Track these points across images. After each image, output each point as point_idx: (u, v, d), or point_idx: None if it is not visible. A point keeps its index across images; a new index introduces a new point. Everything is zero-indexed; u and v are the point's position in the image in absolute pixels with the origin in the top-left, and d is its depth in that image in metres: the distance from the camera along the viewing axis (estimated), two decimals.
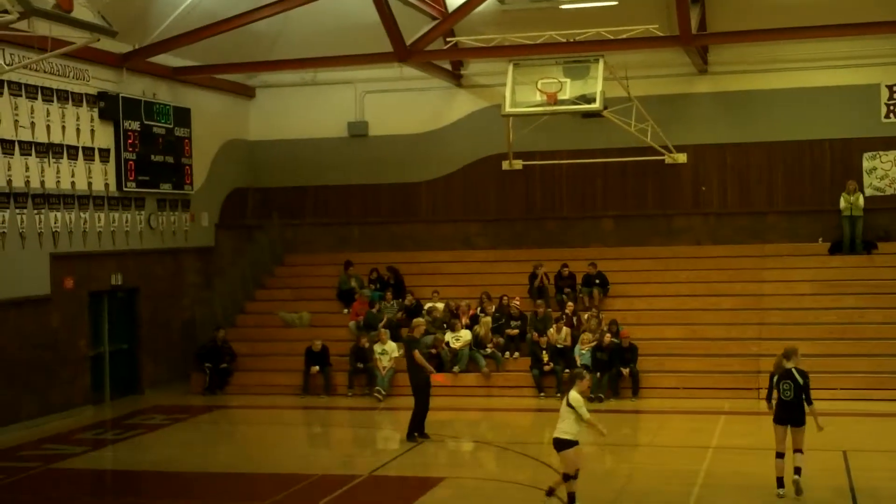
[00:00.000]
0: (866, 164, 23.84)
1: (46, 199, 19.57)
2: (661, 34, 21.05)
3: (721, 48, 24.22)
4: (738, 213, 24.63)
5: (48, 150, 19.67)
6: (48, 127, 19.67)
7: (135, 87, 22.09)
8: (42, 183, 19.49)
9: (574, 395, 12.47)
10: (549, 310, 22.38)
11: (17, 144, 18.92)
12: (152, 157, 22.45)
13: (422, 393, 17.14)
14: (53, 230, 19.72)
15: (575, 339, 21.35)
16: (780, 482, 13.19)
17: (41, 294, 19.41)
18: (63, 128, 20.05)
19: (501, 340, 21.95)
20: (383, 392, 21.16)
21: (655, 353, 21.32)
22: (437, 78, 25.31)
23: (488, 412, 20.41)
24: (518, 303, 22.62)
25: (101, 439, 18.64)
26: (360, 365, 21.77)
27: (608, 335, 20.92)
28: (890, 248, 23.32)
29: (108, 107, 21.10)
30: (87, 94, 20.68)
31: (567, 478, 12.47)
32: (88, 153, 20.73)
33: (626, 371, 20.58)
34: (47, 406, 19.44)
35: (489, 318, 22.36)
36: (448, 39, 23.21)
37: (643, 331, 21.72)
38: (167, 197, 23.19)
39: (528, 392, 20.98)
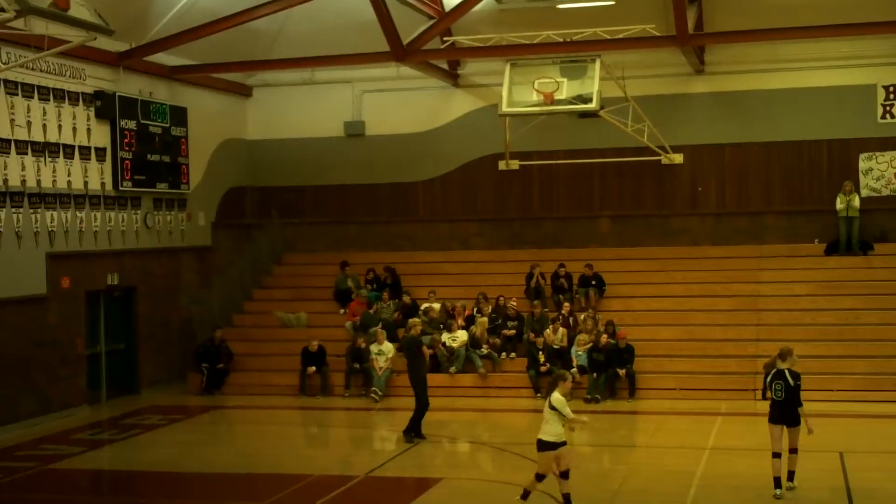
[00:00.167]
0: (862, 165, 23.86)
1: (43, 199, 19.55)
2: (658, 34, 21.06)
3: (718, 48, 24.23)
4: (735, 214, 24.64)
5: (44, 150, 19.64)
6: (44, 126, 19.64)
7: (131, 86, 22.06)
8: (38, 182, 19.46)
9: (556, 397, 12.53)
10: (546, 310, 22.38)
11: (13, 143, 18.90)
12: (149, 156, 22.42)
13: (423, 391, 17.16)
14: (50, 229, 19.69)
15: (571, 340, 21.35)
16: (778, 482, 13.22)
17: (38, 293, 19.39)
18: (59, 127, 20.03)
19: (498, 341, 21.95)
20: (380, 392, 21.15)
21: (652, 353, 21.32)
22: (434, 77, 25.31)
23: (485, 413, 20.41)
24: (515, 303, 22.62)
25: (98, 439, 18.61)
26: (357, 365, 21.76)
27: (605, 336, 20.92)
28: (886, 249, 23.34)
29: (104, 106, 21.08)
30: (83, 93, 20.66)
31: (540, 477, 12.59)
32: (85, 152, 20.71)
33: (622, 372, 20.59)
34: (44, 406, 19.42)
35: (485, 319, 22.36)
36: (445, 39, 23.22)
37: (640, 331, 21.71)
38: (164, 196, 23.17)
39: (525, 393, 20.98)
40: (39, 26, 15.28)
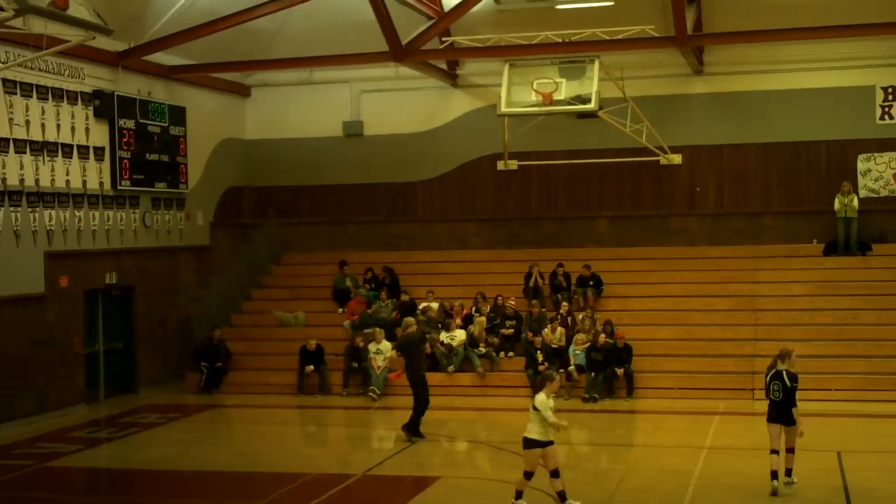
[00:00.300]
0: (861, 166, 23.88)
1: (41, 198, 19.56)
2: (657, 35, 21.08)
3: (716, 49, 24.25)
4: (733, 214, 24.67)
5: (43, 149, 19.65)
6: (43, 125, 19.65)
7: (130, 85, 22.07)
8: (37, 181, 19.47)
9: (540, 399, 12.54)
10: (544, 310, 22.40)
11: (11, 142, 18.91)
12: (147, 155, 22.43)
13: (422, 388, 17.17)
14: (48, 228, 19.70)
15: (570, 340, 21.36)
16: (775, 475, 13.35)
17: (36, 292, 19.39)
18: (58, 126, 20.03)
19: (496, 340, 21.97)
20: (378, 391, 21.16)
21: (650, 353, 21.34)
22: (432, 78, 25.32)
23: (483, 412, 20.42)
24: (513, 303, 22.64)
25: (96, 438, 18.61)
26: (355, 364, 21.77)
27: (603, 335, 20.93)
28: (884, 250, 23.37)
29: (103, 105, 21.09)
30: (82, 93, 20.66)
31: (528, 475, 12.62)
32: (83, 151, 20.72)
33: (620, 371, 20.60)
34: (42, 404, 19.41)
35: (484, 318, 22.38)
36: (444, 39, 23.24)
37: (638, 331, 21.73)
38: (162, 195, 23.17)
39: (523, 392, 20.86)
40: (38, 25, 15.31)
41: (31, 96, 19.32)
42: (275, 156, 26.81)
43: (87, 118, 20.80)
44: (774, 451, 13.36)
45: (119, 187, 21.56)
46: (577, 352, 21.04)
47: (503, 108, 20.02)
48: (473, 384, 21.45)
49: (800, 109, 24.14)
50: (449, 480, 14.76)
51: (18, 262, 18.98)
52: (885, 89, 23.74)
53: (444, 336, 21.89)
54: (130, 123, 21.88)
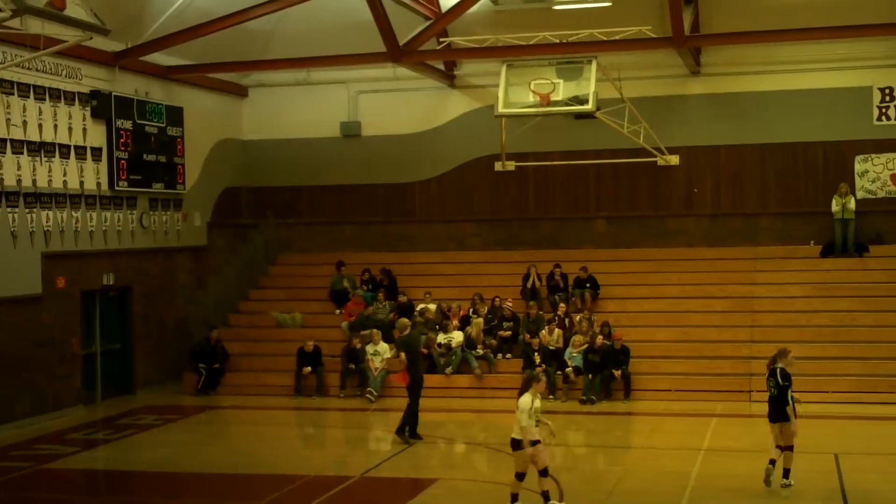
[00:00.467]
0: (858, 167, 23.89)
1: (38, 198, 19.53)
2: (654, 35, 21.09)
3: (714, 50, 24.25)
4: (730, 215, 24.66)
5: (40, 149, 19.62)
6: (40, 125, 19.62)
7: (127, 85, 22.04)
8: (34, 182, 19.44)
9: (521, 401, 12.57)
10: (542, 312, 22.38)
11: (8, 143, 18.88)
12: (144, 156, 22.41)
13: (417, 390, 17.16)
14: (45, 229, 19.67)
15: (567, 341, 21.35)
16: (772, 462, 13.59)
17: (33, 293, 19.36)
18: (55, 126, 20.01)
19: (494, 342, 21.96)
20: (375, 393, 21.14)
21: (647, 355, 21.34)
22: (430, 78, 25.30)
23: (480, 413, 20.40)
24: (511, 304, 22.62)
25: (93, 439, 18.60)
26: (353, 366, 21.75)
27: (600, 337, 20.93)
28: (881, 251, 23.36)
29: (100, 105, 21.07)
30: (79, 93, 20.64)
31: (521, 476, 12.62)
32: (80, 152, 20.69)
33: (618, 373, 20.59)
34: (39, 406, 19.39)
35: (481, 320, 22.37)
36: (441, 40, 23.22)
37: (635, 333, 21.73)
38: (159, 196, 23.15)
39: None
40: (35, 26, 15.28)
41: (28, 96, 19.30)
42: (272, 156, 26.79)
43: (84, 118, 20.78)
44: (777, 447, 13.68)
45: (116, 188, 21.54)
46: (575, 354, 21.03)
47: (501, 109, 20.00)
48: (471, 386, 21.43)
49: (797, 110, 24.14)
50: (447, 482, 14.77)
51: (16, 263, 18.96)
52: (882, 90, 23.74)
53: (441, 337, 21.87)
54: (128, 124, 21.85)
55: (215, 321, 23.78)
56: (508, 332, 21.97)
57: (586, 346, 20.99)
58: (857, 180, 23.85)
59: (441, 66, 25.34)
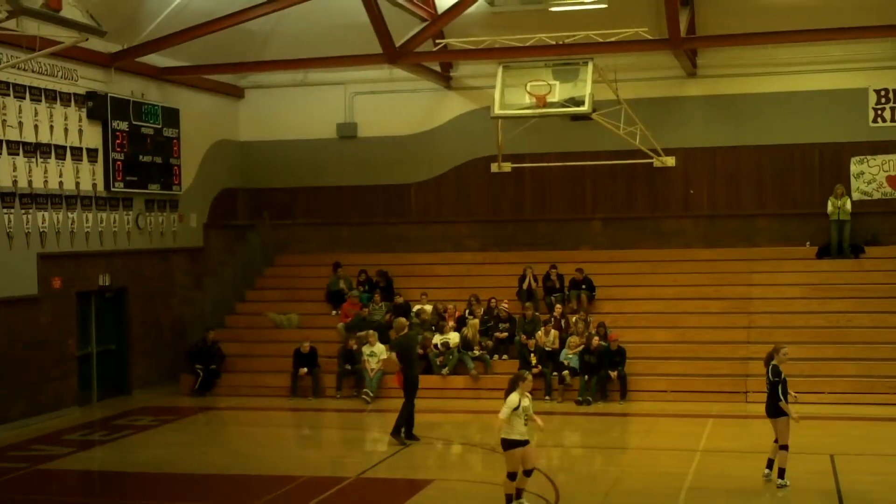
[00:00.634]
0: (854, 169, 23.91)
1: (34, 199, 19.51)
2: (651, 37, 21.10)
3: (710, 51, 24.27)
4: (727, 217, 24.67)
5: (36, 150, 19.60)
6: (36, 127, 19.61)
7: (123, 87, 22.04)
8: (30, 183, 19.43)
9: (509, 398, 12.58)
10: (538, 313, 22.38)
11: (4, 144, 18.86)
12: (140, 157, 22.39)
13: (413, 391, 17.16)
14: (41, 230, 19.65)
15: (563, 342, 21.36)
16: (770, 463, 13.70)
17: (29, 294, 19.35)
18: (51, 127, 19.99)
19: (490, 343, 21.96)
20: (371, 394, 21.14)
21: (644, 356, 21.34)
22: (426, 80, 25.31)
23: (476, 414, 20.36)
24: (507, 305, 22.62)
25: (89, 440, 18.56)
26: (349, 367, 21.75)
27: (596, 338, 20.93)
28: (877, 252, 23.39)
29: (96, 107, 21.05)
30: (75, 94, 20.62)
31: (512, 476, 12.63)
32: (76, 153, 20.67)
33: (614, 374, 20.60)
34: (35, 407, 19.37)
35: (477, 321, 22.37)
36: (438, 41, 23.20)
37: (632, 334, 21.74)
38: (155, 197, 23.13)
39: None
40: (31, 27, 15.30)
41: (24, 98, 19.28)
42: (269, 157, 26.80)
43: (80, 120, 20.76)
44: (775, 443, 13.80)
45: (112, 189, 21.52)
46: (571, 355, 21.03)
47: (497, 111, 20.00)
48: (467, 387, 21.44)
49: (793, 112, 24.17)
50: (443, 483, 14.77)
51: (11, 264, 18.94)
52: (878, 92, 23.78)
53: (437, 338, 21.87)
54: (124, 125, 21.84)
55: (212, 322, 23.77)
56: (505, 334, 21.97)
57: (582, 347, 21.00)
58: (853, 182, 23.88)
59: (437, 68, 25.34)
